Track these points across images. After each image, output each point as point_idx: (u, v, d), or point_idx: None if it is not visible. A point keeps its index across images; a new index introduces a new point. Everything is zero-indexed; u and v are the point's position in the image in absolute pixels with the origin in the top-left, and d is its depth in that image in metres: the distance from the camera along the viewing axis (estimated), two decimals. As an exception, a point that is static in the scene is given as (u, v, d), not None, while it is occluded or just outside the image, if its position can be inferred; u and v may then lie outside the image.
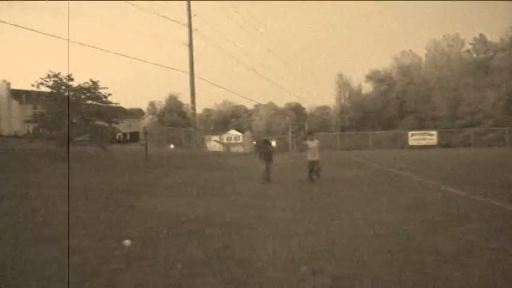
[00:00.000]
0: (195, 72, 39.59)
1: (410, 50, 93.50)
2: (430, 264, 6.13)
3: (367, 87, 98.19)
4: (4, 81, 64.69)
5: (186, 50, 39.60)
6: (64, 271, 6.02)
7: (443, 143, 57.97)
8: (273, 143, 78.93)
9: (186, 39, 39.48)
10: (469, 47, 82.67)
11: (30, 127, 30.81)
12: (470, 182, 15.92)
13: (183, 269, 6.13)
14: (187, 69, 39.56)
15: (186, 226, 9.23)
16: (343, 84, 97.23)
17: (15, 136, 45.95)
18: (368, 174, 20.93)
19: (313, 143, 18.32)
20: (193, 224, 9.42)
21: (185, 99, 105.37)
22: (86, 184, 15.96)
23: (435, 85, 79.54)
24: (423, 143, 57.03)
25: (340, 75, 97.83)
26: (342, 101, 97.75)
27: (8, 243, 7.53)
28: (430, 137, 58.60)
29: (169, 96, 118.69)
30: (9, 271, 6.01)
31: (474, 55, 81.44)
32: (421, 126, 70.71)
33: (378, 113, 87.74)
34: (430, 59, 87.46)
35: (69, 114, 26.84)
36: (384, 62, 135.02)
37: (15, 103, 62.83)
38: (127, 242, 7.50)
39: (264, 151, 19.11)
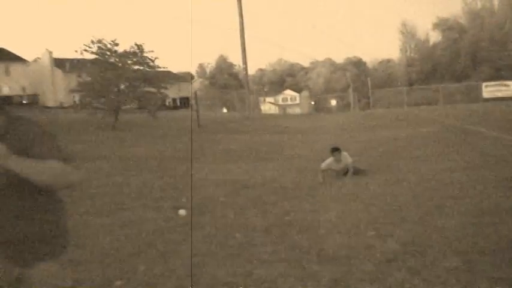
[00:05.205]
0: (245, 30, 39.45)
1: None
2: (508, 227, 6.01)
3: (435, 36, 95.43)
4: (47, 50, 66.34)
5: (234, 5, 39.43)
6: (119, 243, 6.25)
7: (522, 94, 55.74)
8: (333, 102, 78.41)
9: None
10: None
11: (76, 96, 31.55)
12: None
13: (242, 237, 6.25)
14: (237, 26, 39.47)
15: (243, 193, 9.37)
16: (407, 33, 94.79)
17: (61, 107, 47.30)
18: (439, 131, 20.50)
19: (339, 165, 11.01)
20: (251, 191, 9.54)
21: (236, 59, 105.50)
22: (137, 153, 16.35)
23: (510, 30, 76.31)
24: (499, 94, 55.01)
25: (403, 24, 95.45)
26: (408, 53, 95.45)
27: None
28: (506, 88, 56.44)
29: (219, 57, 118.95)
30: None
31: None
32: (497, 76, 68.13)
33: (449, 64, 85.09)
34: (504, 1, 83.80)
35: (116, 81, 27.39)
36: (452, 8, 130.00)
37: (58, 72, 64.43)
38: (182, 211, 7.68)
39: None
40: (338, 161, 10.88)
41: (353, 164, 11.00)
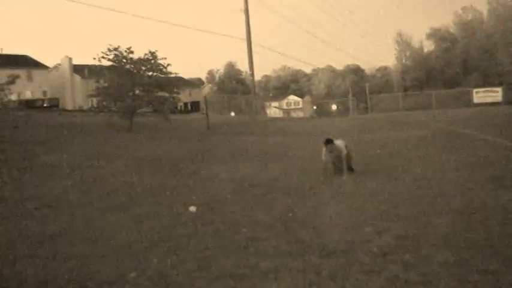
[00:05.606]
0: (252, 39, 39.45)
1: (471, 5, 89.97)
2: (497, 223, 6.00)
3: (429, 46, 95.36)
4: (66, 56, 66.57)
5: (242, 17, 39.43)
6: (133, 237, 6.28)
7: (509, 100, 55.47)
8: (334, 107, 78.30)
9: (242, 5, 39.29)
10: (535, -2, 78.30)
11: (94, 101, 31.61)
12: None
13: (249, 232, 6.27)
14: (244, 36, 39.47)
15: (249, 191, 9.38)
16: (403, 43, 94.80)
17: (80, 110, 47.38)
18: (432, 134, 20.44)
19: (333, 154, 11.00)
20: (257, 189, 9.55)
21: (243, 66, 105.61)
22: (151, 153, 16.37)
23: (499, 40, 76.06)
24: (488, 100, 54.79)
25: (399, 34, 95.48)
26: (403, 61, 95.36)
27: (79, 212, 7.89)
28: (495, 94, 56.21)
29: (227, 64, 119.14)
30: (80, 238, 6.31)
31: (540, 7, 77.12)
32: (486, 83, 67.91)
33: (441, 71, 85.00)
34: (493, 13, 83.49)
35: (131, 86, 27.43)
36: (444, 19, 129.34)
37: (77, 78, 64.64)
38: (193, 208, 7.71)
39: None
40: (332, 150, 10.95)
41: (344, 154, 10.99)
